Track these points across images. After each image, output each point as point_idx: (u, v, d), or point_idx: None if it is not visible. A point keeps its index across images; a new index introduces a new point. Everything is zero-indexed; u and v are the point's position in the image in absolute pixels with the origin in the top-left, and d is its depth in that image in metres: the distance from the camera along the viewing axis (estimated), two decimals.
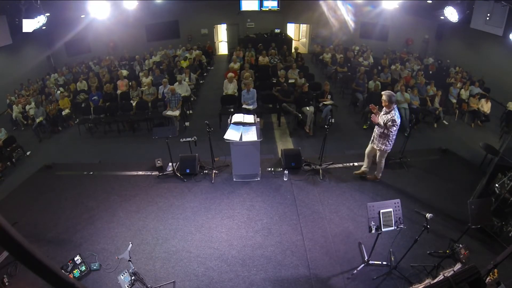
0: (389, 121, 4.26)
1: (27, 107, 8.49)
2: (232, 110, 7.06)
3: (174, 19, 13.82)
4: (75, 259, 3.56)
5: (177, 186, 5.05)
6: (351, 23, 12.93)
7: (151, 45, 12.93)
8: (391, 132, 4.33)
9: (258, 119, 5.04)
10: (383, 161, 4.80)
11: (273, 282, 3.39)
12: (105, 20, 9.04)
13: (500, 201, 3.93)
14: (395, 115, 4.24)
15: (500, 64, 9.02)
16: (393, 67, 9.71)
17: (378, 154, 4.73)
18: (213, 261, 3.66)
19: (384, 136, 4.44)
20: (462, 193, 4.64)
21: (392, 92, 4.37)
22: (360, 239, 3.87)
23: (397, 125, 4.28)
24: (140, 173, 5.45)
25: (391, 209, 2.96)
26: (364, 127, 7.36)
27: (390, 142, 4.49)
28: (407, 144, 5.43)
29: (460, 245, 3.51)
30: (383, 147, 4.53)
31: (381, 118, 4.40)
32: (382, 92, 4.34)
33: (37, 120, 7.71)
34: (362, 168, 5.09)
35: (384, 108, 4.40)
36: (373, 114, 4.53)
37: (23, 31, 6.74)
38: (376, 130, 4.56)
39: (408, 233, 3.72)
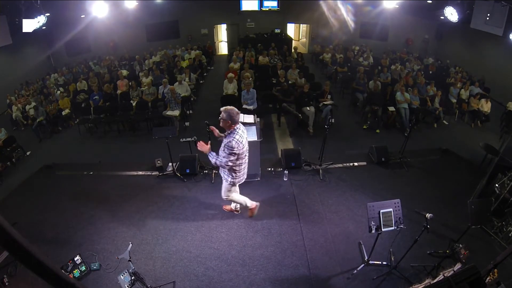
0: (226, 147, 3.24)
1: (27, 107, 8.48)
2: None
3: (174, 19, 13.83)
4: (75, 259, 3.55)
5: (177, 186, 5.04)
6: (351, 23, 12.94)
7: (151, 45, 12.93)
8: (229, 161, 3.26)
9: (258, 119, 5.04)
10: (233, 195, 3.81)
11: (273, 282, 3.39)
12: (105, 20, 9.06)
13: (500, 201, 3.93)
14: (234, 139, 3.20)
15: (500, 64, 9.02)
16: (393, 67, 9.72)
17: (222, 186, 3.74)
18: (213, 261, 3.66)
19: None
20: (462, 193, 4.64)
21: (234, 109, 3.24)
22: (360, 239, 3.86)
23: (234, 154, 3.20)
24: (140, 173, 5.45)
25: (391, 209, 2.96)
26: (364, 127, 7.37)
27: (235, 174, 3.48)
28: (407, 144, 5.43)
29: (460, 245, 3.51)
30: (229, 178, 3.53)
31: (223, 142, 3.39)
32: (221, 108, 3.29)
33: (37, 120, 7.72)
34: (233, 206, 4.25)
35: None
36: (199, 142, 3.43)
37: (23, 31, 6.74)
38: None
39: (408, 233, 3.72)
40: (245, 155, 3.51)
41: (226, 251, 3.78)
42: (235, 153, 3.24)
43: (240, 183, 3.71)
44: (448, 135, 7.11)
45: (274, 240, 3.92)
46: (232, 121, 3.24)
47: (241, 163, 3.48)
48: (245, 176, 3.72)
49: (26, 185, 5.40)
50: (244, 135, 3.41)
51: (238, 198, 3.96)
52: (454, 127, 7.64)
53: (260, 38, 13.28)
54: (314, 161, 5.39)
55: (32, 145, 7.52)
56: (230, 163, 3.30)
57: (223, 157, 3.29)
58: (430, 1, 9.28)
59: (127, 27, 12.41)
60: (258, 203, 4.14)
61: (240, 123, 3.41)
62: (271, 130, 7.28)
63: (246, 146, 3.46)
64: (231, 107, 3.30)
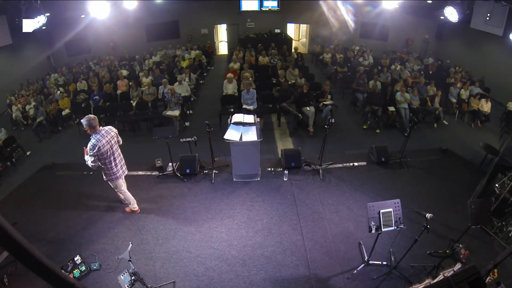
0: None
1: (27, 107, 8.48)
2: (232, 110, 7.05)
3: (174, 19, 13.82)
4: (75, 259, 3.56)
5: (177, 186, 5.04)
6: (351, 23, 12.93)
7: (151, 45, 12.93)
8: (90, 161, 3.62)
9: (258, 119, 5.04)
10: (122, 191, 4.19)
11: (273, 282, 3.39)
12: (105, 20, 9.05)
13: (500, 201, 3.93)
14: (90, 143, 3.58)
15: (500, 64, 9.01)
16: (393, 67, 9.71)
17: None
18: (213, 261, 3.66)
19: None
20: (462, 193, 4.65)
21: (90, 116, 3.63)
22: (360, 239, 3.87)
23: (91, 155, 3.59)
24: (140, 173, 5.45)
25: (391, 209, 2.96)
26: (364, 127, 7.37)
27: (107, 171, 3.85)
28: (407, 144, 5.43)
29: (460, 245, 3.51)
30: (104, 176, 3.94)
31: None
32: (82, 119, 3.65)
33: (37, 120, 7.71)
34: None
35: None
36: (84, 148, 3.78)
37: (23, 31, 6.71)
38: None
39: (408, 233, 3.72)
40: (110, 156, 3.77)
41: (226, 251, 3.78)
42: (91, 155, 3.61)
43: (116, 180, 3.97)
44: (448, 135, 7.11)
45: (274, 240, 3.93)
46: (89, 127, 3.62)
47: (106, 163, 3.78)
48: (119, 174, 3.98)
49: (26, 185, 5.40)
50: (104, 138, 3.68)
51: (127, 196, 4.29)
52: (454, 127, 7.64)
53: (260, 38, 13.27)
54: (314, 161, 5.39)
55: (32, 145, 7.52)
56: (92, 163, 3.65)
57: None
58: (430, 1, 9.27)
59: (127, 27, 12.40)
60: (138, 211, 4.47)
61: (105, 129, 3.73)
62: (271, 130, 7.28)
63: (107, 147, 3.71)
64: (88, 115, 3.67)
